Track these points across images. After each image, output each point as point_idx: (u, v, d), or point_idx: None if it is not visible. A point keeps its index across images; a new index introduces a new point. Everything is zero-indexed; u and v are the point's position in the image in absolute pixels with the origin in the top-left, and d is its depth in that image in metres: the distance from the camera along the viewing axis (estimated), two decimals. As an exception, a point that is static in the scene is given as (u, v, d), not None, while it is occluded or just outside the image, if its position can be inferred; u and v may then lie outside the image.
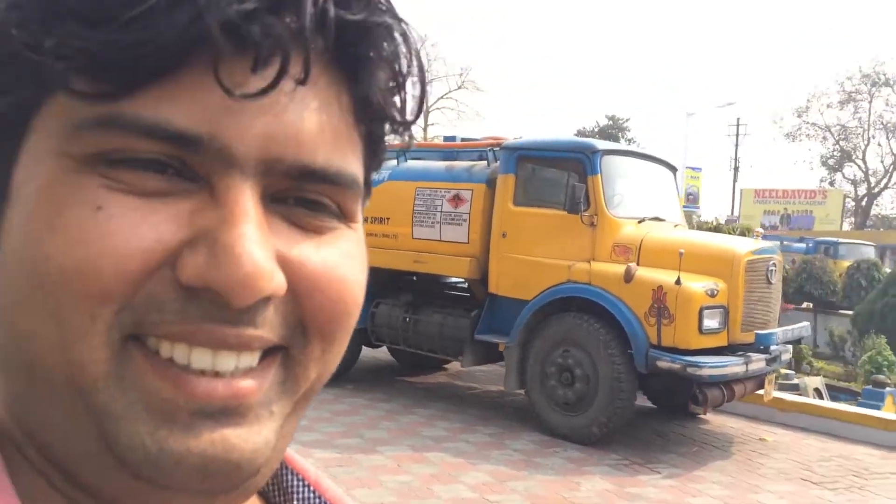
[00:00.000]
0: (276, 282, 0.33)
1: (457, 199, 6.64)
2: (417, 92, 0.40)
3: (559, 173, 6.39)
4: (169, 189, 0.33)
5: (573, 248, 6.05)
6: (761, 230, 8.33)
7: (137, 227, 0.32)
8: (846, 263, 19.34)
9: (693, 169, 36.86)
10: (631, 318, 5.59)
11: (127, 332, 0.33)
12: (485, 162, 6.81)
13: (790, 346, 6.47)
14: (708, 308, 5.48)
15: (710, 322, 5.49)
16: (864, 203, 44.06)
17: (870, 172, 43.72)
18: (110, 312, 0.32)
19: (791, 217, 37.39)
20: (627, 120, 51.68)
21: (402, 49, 0.38)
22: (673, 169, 7.38)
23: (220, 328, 0.33)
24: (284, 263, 0.35)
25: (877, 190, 44.06)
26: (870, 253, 22.28)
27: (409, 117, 0.40)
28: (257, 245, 0.33)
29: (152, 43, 0.31)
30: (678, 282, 5.41)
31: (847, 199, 41.79)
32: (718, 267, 5.74)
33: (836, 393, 10.41)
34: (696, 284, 5.49)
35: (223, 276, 0.32)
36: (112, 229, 0.32)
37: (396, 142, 0.43)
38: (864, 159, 43.62)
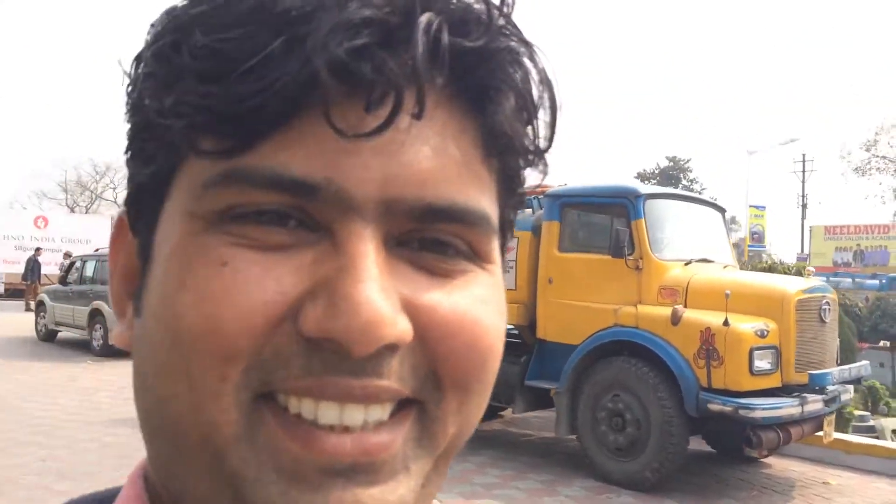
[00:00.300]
0: (400, 329, 0.32)
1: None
2: (548, 118, 0.37)
3: (603, 219, 6.49)
4: (291, 242, 0.33)
5: (619, 292, 6.08)
6: (812, 269, 8.13)
7: (261, 281, 0.32)
8: (923, 300, 18.51)
9: (757, 207, 36.00)
10: (679, 361, 5.56)
11: (256, 392, 0.32)
12: (530, 210, 6.96)
13: (850, 387, 6.27)
14: (758, 349, 5.41)
15: (761, 363, 5.41)
16: (943, 236, 42.02)
17: (948, 204, 41.81)
18: (238, 372, 0.32)
19: (864, 253, 35.96)
20: (689, 160, 51.07)
21: (532, 75, 0.36)
22: (720, 210, 7.37)
23: (345, 380, 0.32)
24: (411, 310, 0.33)
25: (957, 221, 42.03)
26: (950, 288, 21.17)
27: (542, 145, 0.38)
28: (377, 291, 0.32)
29: (265, 93, 0.31)
30: (726, 323, 5.37)
31: (925, 233, 39.97)
32: (768, 307, 5.68)
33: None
34: (746, 325, 5.44)
35: (342, 325, 0.31)
36: (237, 284, 0.32)
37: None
38: (941, 190, 41.80)
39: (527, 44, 0.36)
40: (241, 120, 0.32)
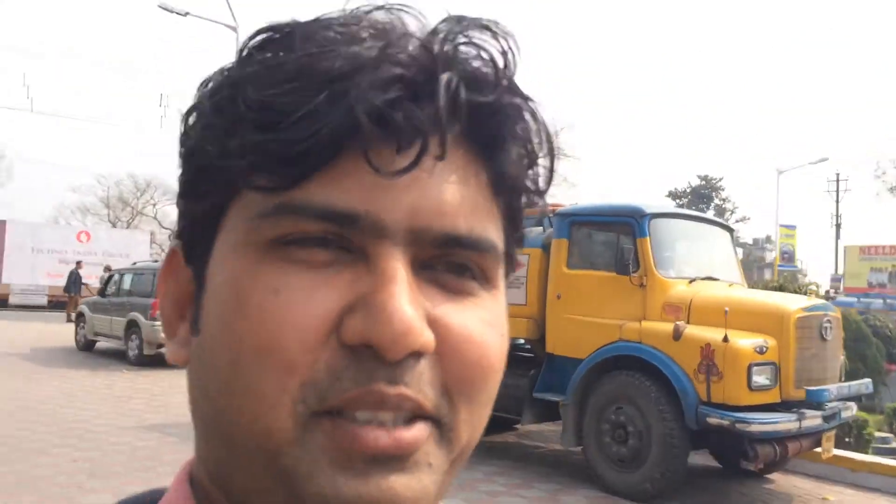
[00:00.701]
0: (426, 337, 0.37)
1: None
2: (548, 163, 0.43)
3: (610, 237, 6.71)
4: (332, 260, 0.38)
5: (625, 308, 6.28)
6: (814, 288, 8.21)
7: (309, 302, 0.37)
8: (957, 321, 18.14)
9: (787, 227, 35.61)
10: (680, 375, 5.74)
11: (312, 409, 0.36)
12: (541, 228, 7.21)
13: (852, 404, 6.36)
14: (757, 365, 5.57)
15: (760, 378, 5.56)
16: None
17: None
18: (297, 384, 0.36)
19: (901, 274, 35.28)
20: (721, 179, 50.71)
21: (532, 126, 0.42)
22: (728, 229, 7.55)
23: (384, 388, 0.36)
24: (432, 323, 0.38)
25: None
26: None
27: (541, 187, 0.44)
28: (407, 303, 0.36)
29: (313, 138, 0.36)
30: (725, 339, 5.54)
31: (964, 253, 38.98)
32: (769, 324, 5.83)
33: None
34: (745, 341, 5.60)
35: (378, 331, 0.36)
36: (290, 307, 0.37)
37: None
38: (982, 210, 40.78)
39: (528, 100, 0.41)
40: (293, 161, 0.37)
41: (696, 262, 6.86)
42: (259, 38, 0.41)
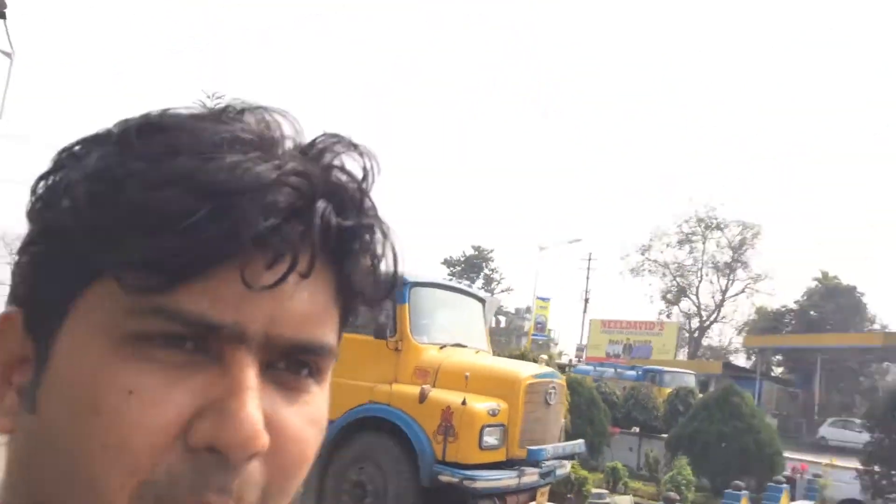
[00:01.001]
0: (265, 440, 0.40)
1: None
2: (391, 274, 0.47)
3: (373, 302, 7.04)
4: (188, 361, 0.40)
5: (379, 371, 6.59)
6: (545, 357, 9.29)
7: (161, 405, 0.39)
8: (668, 391, 20.94)
9: (542, 299, 38.98)
10: (421, 436, 6.15)
11: None
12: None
13: (568, 462, 7.21)
14: (489, 426, 6.14)
15: (490, 439, 6.14)
16: (696, 335, 48.09)
17: (702, 307, 48.10)
18: (136, 483, 0.38)
19: (633, 346, 40.12)
20: (492, 251, 54.21)
21: (380, 241, 0.46)
22: (481, 300, 8.29)
23: (213, 500, 0.39)
24: (268, 423, 0.40)
25: (707, 323, 48.35)
26: (690, 381, 24.20)
27: (381, 293, 0.48)
28: (255, 409, 0.39)
29: (196, 250, 0.38)
30: (464, 402, 6.08)
31: (682, 332, 45.48)
32: (503, 389, 6.44)
33: (643, 511, 11.20)
34: (480, 405, 6.16)
35: (227, 436, 0.38)
36: (143, 410, 0.38)
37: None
38: (697, 295, 48.07)
39: (382, 222, 0.46)
40: (170, 267, 0.38)
41: (450, 330, 7.42)
42: (138, 123, 0.43)
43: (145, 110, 0.44)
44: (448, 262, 53.29)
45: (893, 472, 6.97)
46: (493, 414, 6.21)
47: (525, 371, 6.82)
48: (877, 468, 7.13)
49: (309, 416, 0.44)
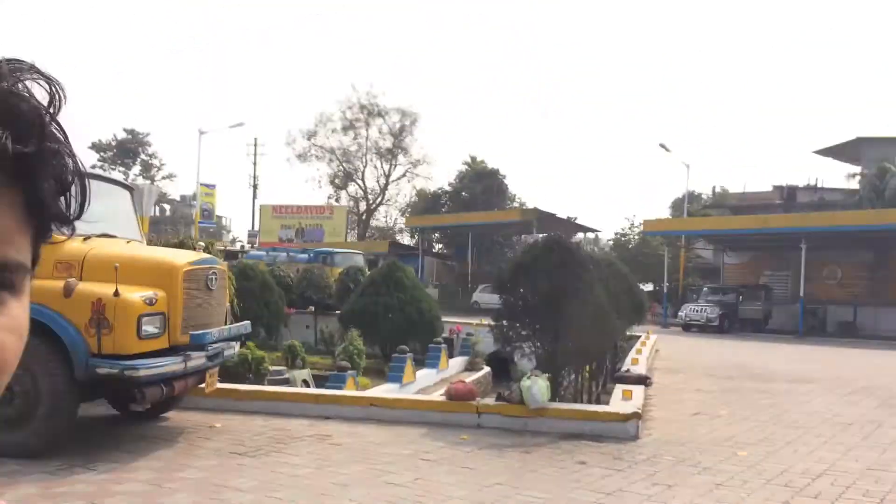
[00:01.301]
0: None
1: None
2: (79, 198, 0.53)
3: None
4: None
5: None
6: (202, 244, 9.28)
7: None
8: (339, 270, 22.26)
9: (207, 185, 37.76)
10: (71, 331, 5.82)
11: None
12: None
13: (235, 344, 7.44)
14: (147, 315, 6.03)
15: (149, 327, 6.05)
16: (364, 217, 50.98)
17: (368, 191, 50.86)
18: None
19: (305, 230, 41.16)
20: (148, 135, 50.09)
21: (68, 166, 0.51)
22: (129, 188, 7.83)
23: None
24: None
25: (374, 206, 51.44)
26: (359, 260, 26.01)
27: (73, 213, 0.54)
28: None
29: None
30: (116, 293, 5.85)
31: (351, 214, 47.80)
32: (160, 278, 6.32)
33: (321, 381, 11.96)
34: (135, 295, 5.99)
35: None
36: None
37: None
38: (363, 179, 50.55)
39: (70, 148, 0.51)
40: None
41: (95, 221, 6.94)
42: None
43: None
44: (97, 147, 48.05)
45: (517, 325, 8.63)
46: (151, 303, 6.10)
47: (181, 258, 6.73)
48: (505, 322, 8.77)
49: (6, 326, 0.50)
